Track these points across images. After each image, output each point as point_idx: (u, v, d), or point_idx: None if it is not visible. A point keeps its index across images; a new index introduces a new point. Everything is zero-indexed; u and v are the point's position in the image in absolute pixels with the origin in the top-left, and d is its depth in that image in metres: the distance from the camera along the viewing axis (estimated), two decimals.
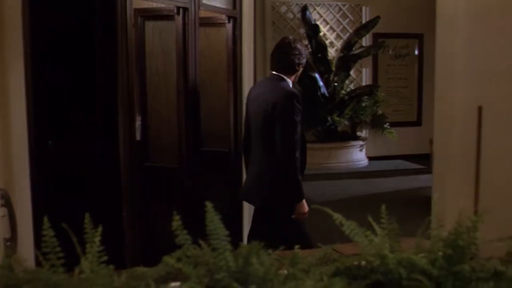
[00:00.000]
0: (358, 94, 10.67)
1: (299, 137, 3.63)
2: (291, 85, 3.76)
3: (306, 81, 10.50)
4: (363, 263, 1.65)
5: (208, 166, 4.20)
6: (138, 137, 3.76)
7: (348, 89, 10.89)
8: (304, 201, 3.73)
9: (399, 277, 1.56)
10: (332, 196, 8.25)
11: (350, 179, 9.63)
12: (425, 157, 8.80)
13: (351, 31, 10.95)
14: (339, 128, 10.50)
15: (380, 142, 11.10)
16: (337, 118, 10.35)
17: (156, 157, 4.07)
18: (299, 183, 3.69)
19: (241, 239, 4.37)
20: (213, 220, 1.52)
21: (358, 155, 10.69)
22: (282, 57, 3.77)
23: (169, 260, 1.48)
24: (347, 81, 10.90)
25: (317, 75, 10.33)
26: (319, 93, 10.33)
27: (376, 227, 1.72)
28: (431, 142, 7.27)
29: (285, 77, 3.76)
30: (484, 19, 2.00)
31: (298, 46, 3.78)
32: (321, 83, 10.35)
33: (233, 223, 4.35)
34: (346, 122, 10.43)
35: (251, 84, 4.60)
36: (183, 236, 1.52)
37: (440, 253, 1.55)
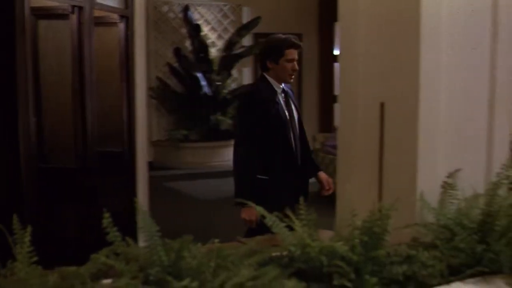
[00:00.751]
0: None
1: (245, 134, 3.55)
2: (272, 82, 3.62)
3: (188, 81, 10.53)
4: (285, 253, 1.73)
5: (103, 166, 4.11)
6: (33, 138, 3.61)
7: (230, 88, 11.03)
8: (250, 206, 3.52)
9: (321, 265, 1.65)
10: (216, 194, 8.32)
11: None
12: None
13: (232, 31, 11.10)
14: (222, 127, 10.61)
15: None
16: (220, 117, 10.46)
17: (53, 158, 3.94)
18: (238, 182, 3.59)
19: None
20: (144, 216, 1.52)
21: None
22: (258, 57, 3.83)
23: (99, 257, 1.47)
24: (229, 80, 11.03)
25: (199, 75, 10.38)
26: (201, 92, 10.39)
27: (294, 218, 1.80)
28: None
29: (266, 75, 3.67)
30: (382, 21, 2.15)
31: (272, 40, 3.64)
32: (203, 83, 10.41)
33: (128, 222, 4.28)
34: (229, 121, 10.56)
35: (144, 84, 4.57)
36: (113, 234, 1.51)
37: (357, 240, 1.66)
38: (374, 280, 1.58)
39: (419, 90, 1.93)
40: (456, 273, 1.72)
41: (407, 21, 1.99)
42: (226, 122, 10.55)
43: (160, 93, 10.70)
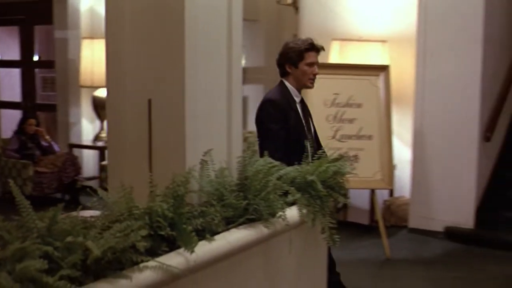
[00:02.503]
0: None
1: (281, 144, 3.32)
2: (291, 89, 3.49)
3: None
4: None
5: None
6: None
7: None
8: None
9: (144, 223, 2.03)
10: None
11: None
12: None
13: None
14: None
15: None
16: None
17: None
18: None
19: None
20: (18, 194, 1.70)
21: None
22: (276, 62, 3.59)
23: None
24: None
25: None
26: None
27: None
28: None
29: (284, 81, 3.52)
30: (148, 22, 2.57)
31: (289, 45, 3.53)
32: None
33: None
34: None
35: None
36: None
37: (171, 201, 2.09)
38: (190, 228, 2.05)
39: (184, 87, 2.46)
40: (232, 223, 2.31)
41: (172, 23, 2.47)
42: None
43: None
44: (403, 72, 6.19)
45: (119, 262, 1.77)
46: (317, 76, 5.02)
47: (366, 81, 5.70)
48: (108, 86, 2.63)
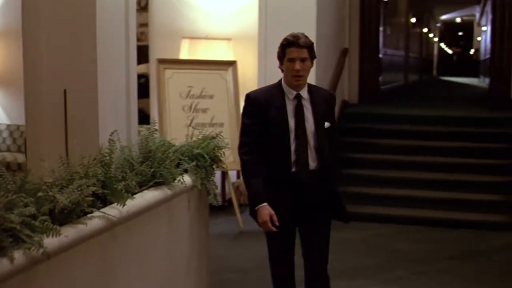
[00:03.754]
0: None
1: (249, 139, 3.33)
2: (285, 86, 3.36)
3: None
4: None
5: None
6: None
7: None
8: (259, 208, 3.26)
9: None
10: None
11: None
12: None
13: None
14: None
15: None
16: None
17: None
18: (248, 187, 3.35)
19: None
20: None
21: None
22: None
23: None
24: None
25: None
26: None
27: None
28: None
29: (282, 78, 3.42)
30: (63, 17, 3.05)
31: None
32: None
33: None
34: None
35: None
36: None
37: (100, 168, 2.64)
38: (120, 187, 2.61)
39: (97, 77, 3.00)
40: (143, 186, 2.90)
41: (85, 18, 2.99)
42: None
43: None
44: (247, 67, 7.02)
45: (75, 213, 2.30)
46: (173, 72, 5.50)
47: (216, 75, 6.45)
48: (25, 76, 3.06)
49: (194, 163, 3.23)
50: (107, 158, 2.71)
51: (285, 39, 3.34)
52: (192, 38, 7.04)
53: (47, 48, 2.97)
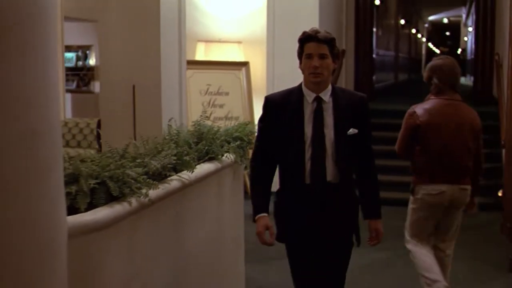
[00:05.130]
0: None
1: (261, 142, 3.19)
2: (304, 88, 3.10)
3: None
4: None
5: None
6: None
7: None
8: (257, 218, 3.10)
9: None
10: None
11: None
12: None
13: None
14: None
15: None
16: None
17: None
18: (251, 194, 3.19)
19: None
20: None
21: None
22: None
23: None
24: None
25: None
26: None
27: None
28: None
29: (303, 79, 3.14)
30: (131, 22, 3.87)
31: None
32: None
33: None
34: None
35: None
36: None
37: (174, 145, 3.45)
38: (188, 158, 3.42)
39: (161, 75, 3.81)
40: (199, 160, 3.71)
41: (151, 29, 3.80)
42: None
43: None
44: (256, 68, 7.85)
45: (161, 175, 3.11)
46: (193, 71, 5.98)
47: (231, 74, 7.28)
48: (101, 74, 3.87)
49: (237, 143, 4.04)
50: (176, 137, 3.52)
51: (303, 33, 3.03)
52: (206, 41, 7.86)
53: (119, 52, 3.76)
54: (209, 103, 7.13)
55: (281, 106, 3.08)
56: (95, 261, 2.56)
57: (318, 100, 3.05)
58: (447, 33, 39.14)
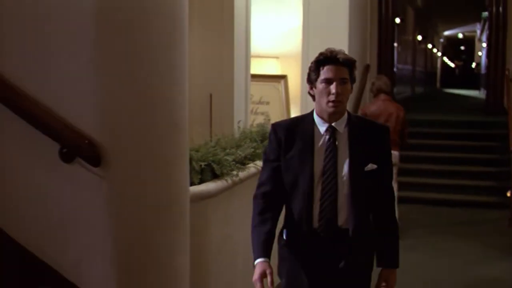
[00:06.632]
0: None
1: (265, 176, 2.76)
2: (316, 116, 2.69)
3: None
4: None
5: None
6: None
7: None
8: (256, 263, 2.62)
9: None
10: None
11: None
12: None
13: None
14: None
15: None
16: None
17: None
18: (252, 236, 2.74)
19: None
20: None
21: None
22: None
23: None
24: None
25: None
26: None
27: None
28: None
29: (315, 107, 2.73)
30: (209, 35, 4.88)
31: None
32: None
33: None
34: None
35: None
36: None
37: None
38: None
39: (233, 84, 4.79)
40: None
41: (226, 43, 4.79)
42: None
43: None
44: (291, 82, 8.79)
45: (242, 162, 4.08)
46: None
47: (271, 86, 8.27)
48: None
49: None
50: (250, 135, 4.52)
51: (321, 54, 2.62)
52: None
53: (198, 64, 4.74)
54: (252, 111, 8.10)
55: (289, 136, 2.69)
56: (206, 220, 3.56)
57: (332, 131, 2.65)
58: (462, 48, 39.96)
